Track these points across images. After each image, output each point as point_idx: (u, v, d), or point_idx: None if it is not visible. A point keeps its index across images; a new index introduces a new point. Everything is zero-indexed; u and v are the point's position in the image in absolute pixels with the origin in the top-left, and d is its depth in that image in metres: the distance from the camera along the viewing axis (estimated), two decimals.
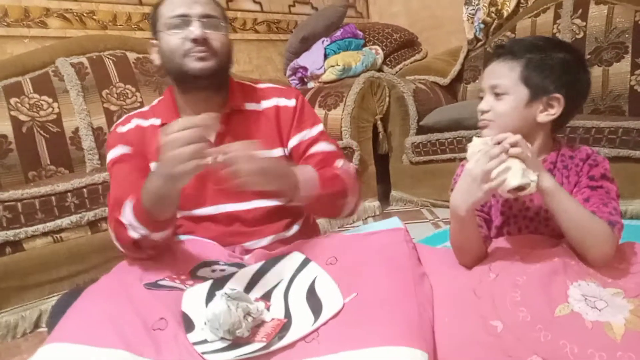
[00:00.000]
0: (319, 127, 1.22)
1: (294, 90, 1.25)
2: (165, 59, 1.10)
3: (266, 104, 1.19)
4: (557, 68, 0.95)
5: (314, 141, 1.19)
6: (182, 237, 1.13)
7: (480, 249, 0.98)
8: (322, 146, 1.19)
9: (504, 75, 0.96)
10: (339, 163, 1.17)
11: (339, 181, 1.11)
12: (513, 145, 0.87)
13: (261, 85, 1.24)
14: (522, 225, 1.03)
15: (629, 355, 0.71)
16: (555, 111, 0.96)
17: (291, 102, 1.20)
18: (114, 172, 1.13)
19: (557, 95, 0.95)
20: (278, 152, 1.18)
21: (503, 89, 0.96)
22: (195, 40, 1.05)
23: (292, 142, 1.19)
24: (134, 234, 0.97)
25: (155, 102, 1.23)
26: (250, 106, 1.18)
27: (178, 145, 0.84)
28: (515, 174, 0.86)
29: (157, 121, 1.16)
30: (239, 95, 1.18)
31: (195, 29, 1.05)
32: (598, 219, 0.88)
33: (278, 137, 1.19)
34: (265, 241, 1.15)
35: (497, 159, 0.87)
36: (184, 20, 1.06)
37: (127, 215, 0.98)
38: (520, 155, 0.87)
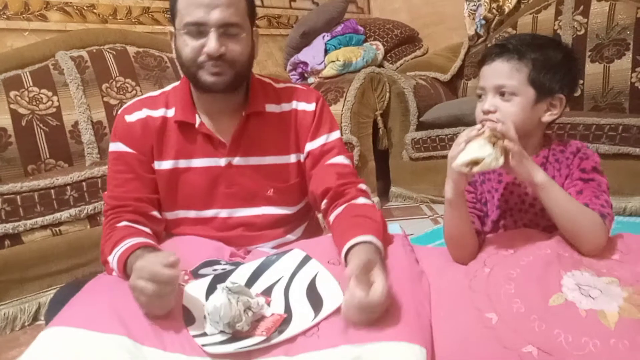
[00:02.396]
0: (337, 134, 1.16)
1: (314, 93, 1.18)
2: (179, 59, 1.04)
3: (286, 106, 1.14)
4: (560, 68, 0.96)
5: (331, 149, 1.13)
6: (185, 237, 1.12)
7: (472, 240, 0.98)
8: (341, 159, 1.13)
9: (511, 76, 0.95)
10: (362, 186, 1.10)
11: (380, 224, 1.02)
12: (503, 134, 0.88)
13: (281, 85, 1.18)
14: (517, 217, 1.04)
15: (622, 342, 0.71)
16: (558, 111, 0.98)
17: (310, 106, 1.14)
18: (113, 170, 1.10)
19: (561, 95, 0.97)
20: (292, 157, 1.14)
21: (511, 89, 0.95)
22: (210, 55, 0.98)
23: (309, 146, 1.13)
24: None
25: (169, 88, 1.15)
26: (270, 108, 1.13)
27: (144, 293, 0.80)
28: (470, 149, 0.87)
29: (170, 112, 1.10)
30: (260, 96, 1.12)
31: (211, 43, 0.97)
32: (590, 211, 0.90)
33: (295, 142, 1.14)
34: (270, 245, 1.14)
35: (463, 136, 0.90)
36: (200, 30, 0.98)
37: (114, 262, 0.96)
38: (512, 149, 0.87)
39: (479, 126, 0.91)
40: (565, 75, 0.97)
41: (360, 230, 0.94)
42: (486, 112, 0.96)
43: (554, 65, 0.95)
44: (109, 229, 1.03)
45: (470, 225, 0.99)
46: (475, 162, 0.86)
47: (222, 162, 1.09)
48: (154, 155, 1.09)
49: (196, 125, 1.08)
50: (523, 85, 0.95)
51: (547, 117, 0.98)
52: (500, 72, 0.96)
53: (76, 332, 0.77)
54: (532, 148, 1.01)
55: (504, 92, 0.95)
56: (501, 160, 0.86)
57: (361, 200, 1.07)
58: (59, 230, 1.62)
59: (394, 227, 1.13)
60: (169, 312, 0.84)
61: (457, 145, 0.90)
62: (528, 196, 1.02)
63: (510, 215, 1.04)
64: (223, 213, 1.12)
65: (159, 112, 1.10)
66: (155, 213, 1.09)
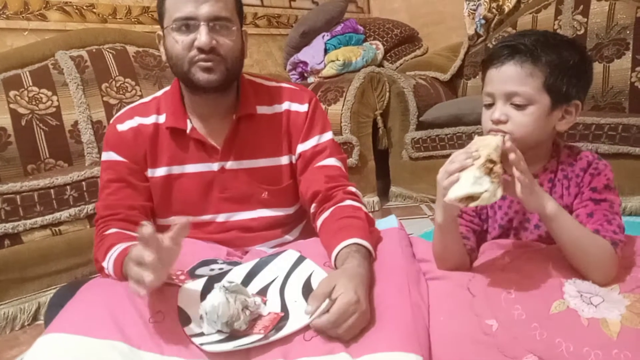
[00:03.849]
0: (329, 135, 1.14)
1: (307, 93, 1.17)
2: (170, 60, 1.03)
3: (278, 107, 1.13)
4: (576, 72, 0.87)
5: (322, 150, 1.12)
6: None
7: (463, 263, 0.93)
8: (332, 161, 1.12)
9: (525, 82, 0.85)
10: (351, 189, 1.10)
11: (365, 221, 1.03)
12: (514, 165, 0.80)
13: (274, 84, 1.16)
14: (521, 237, 0.99)
15: (625, 353, 0.70)
16: (573, 118, 0.90)
17: (303, 107, 1.13)
18: (105, 179, 1.09)
19: (577, 101, 0.89)
20: (285, 159, 1.13)
21: (526, 98, 0.85)
22: (201, 49, 0.98)
23: (300, 148, 1.12)
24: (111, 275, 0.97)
25: (160, 93, 1.15)
26: (261, 109, 1.11)
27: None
28: (464, 182, 0.78)
29: (161, 118, 1.09)
30: (251, 98, 1.11)
31: (202, 36, 0.97)
32: (601, 240, 0.84)
33: (287, 144, 1.13)
34: (268, 245, 1.13)
35: (456, 164, 0.80)
36: (190, 24, 0.98)
37: (109, 267, 0.95)
38: (523, 182, 0.80)
39: (475, 152, 0.80)
40: (582, 79, 0.89)
41: (347, 233, 0.96)
42: (496, 122, 0.88)
43: (570, 68, 0.86)
44: (99, 237, 1.03)
45: (462, 248, 0.93)
46: (470, 197, 0.78)
47: (215, 166, 1.09)
48: (148, 163, 1.09)
49: (187, 131, 1.07)
50: (538, 92, 0.85)
51: (562, 126, 0.90)
52: (512, 77, 0.86)
53: (72, 338, 0.77)
54: (540, 158, 0.94)
55: (515, 100, 0.86)
56: (499, 193, 0.78)
57: (347, 202, 1.07)
58: (59, 229, 1.62)
59: (390, 220, 1.12)
60: (165, 315, 0.84)
61: (447, 173, 0.81)
62: (534, 215, 0.96)
63: (514, 234, 0.99)
64: (219, 218, 1.11)
65: (150, 119, 1.09)
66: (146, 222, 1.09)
